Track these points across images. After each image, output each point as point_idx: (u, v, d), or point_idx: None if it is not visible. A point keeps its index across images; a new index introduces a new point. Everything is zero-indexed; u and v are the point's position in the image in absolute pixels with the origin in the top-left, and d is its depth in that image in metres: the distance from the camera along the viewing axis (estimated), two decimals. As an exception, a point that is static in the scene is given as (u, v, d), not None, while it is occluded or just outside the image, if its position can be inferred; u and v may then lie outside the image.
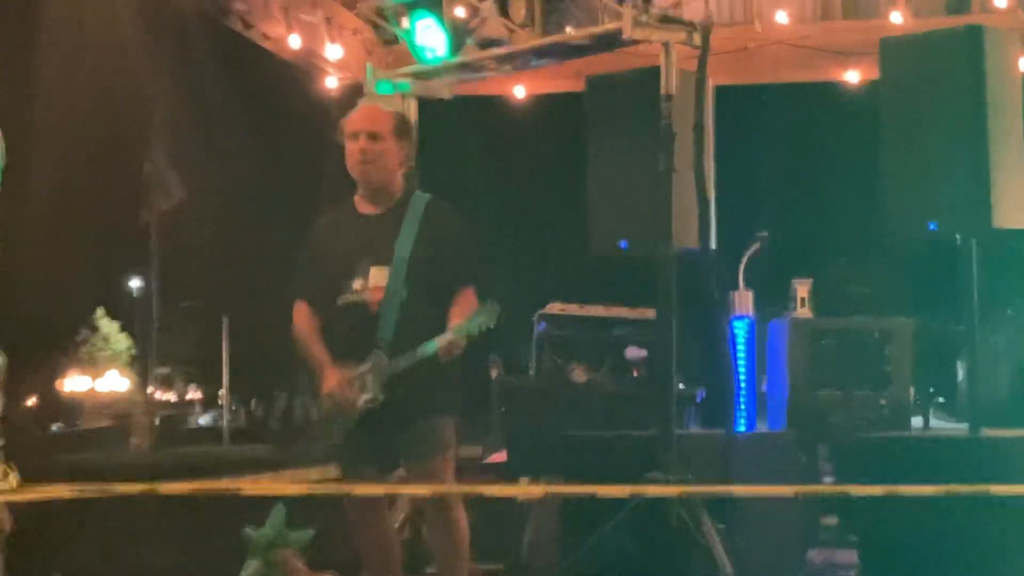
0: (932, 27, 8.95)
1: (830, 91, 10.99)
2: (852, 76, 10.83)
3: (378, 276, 5.74)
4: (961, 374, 8.68)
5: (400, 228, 5.80)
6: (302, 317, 5.98)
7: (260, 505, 7.29)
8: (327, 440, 5.92)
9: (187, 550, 7.98)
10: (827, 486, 5.46)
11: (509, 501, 7.59)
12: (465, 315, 5.68)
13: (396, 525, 6.86)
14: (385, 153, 5.84)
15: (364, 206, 5.94)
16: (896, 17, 10.35)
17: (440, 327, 5.68)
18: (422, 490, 5.62)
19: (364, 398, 5.70)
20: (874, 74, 10.34)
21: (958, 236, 7.08)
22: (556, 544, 7.18)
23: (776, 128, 11.53)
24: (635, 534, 6.36)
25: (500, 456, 8.36)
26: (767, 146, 11.45)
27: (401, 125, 5.94)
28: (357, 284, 5.76)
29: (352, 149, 5.85)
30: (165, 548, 8.00)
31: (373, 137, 5.82)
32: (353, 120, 5.91)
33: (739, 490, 5.45)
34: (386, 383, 5.67)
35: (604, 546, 6.45)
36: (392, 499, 6.65)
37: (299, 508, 7.08)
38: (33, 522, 4.72)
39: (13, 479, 4.72)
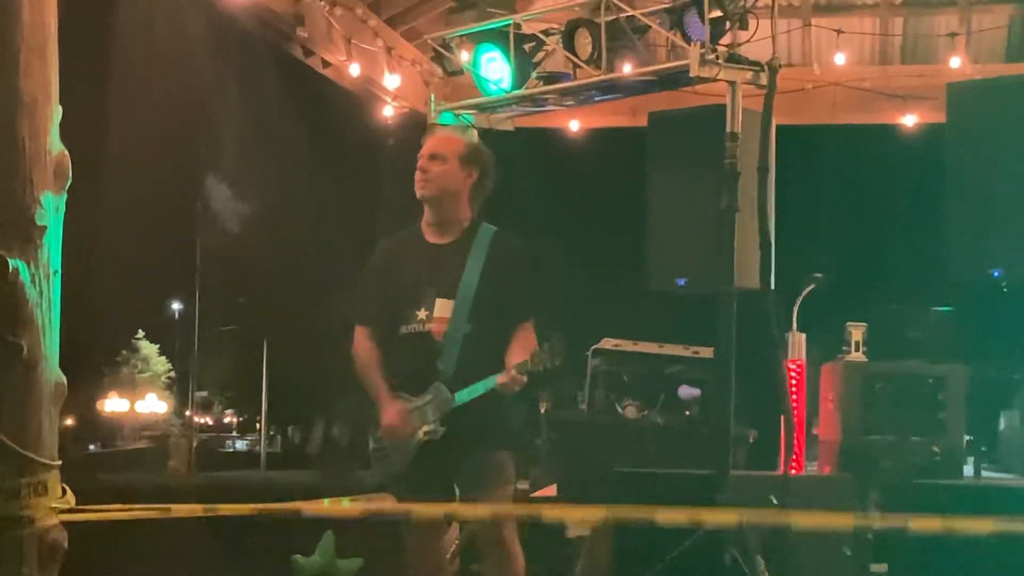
0: (991, 73, 8.96)
1: (887, 134, 10.95)
2: (909, 120, 10.80)
3: (443, 308, 5.72)
4: (1005, 423, 8.62)
5: (466, 260, 5.78)
6: (362, 343, 5.95)
7: (310, 532, 7.30)
8: (384, 470, 5.91)
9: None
10: (884, 517, 5.41)
11: (559, 537, 7.57)
12: (525, 351, 5.64)
13: (448, 555, 6.85)
14: (445, 175, 5.82)
15: (431, 234, 5.92)
16: (955, 62, 10.35)
17: (499, 361, 5.66)
18: (482, 511, 5.58)
19: (425, 430, 5.69)
20: (931, 118, 10.42)
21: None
22: (608, 578, 7.15)
23: (832, 169, 11.51)
24: (689, 572, 6.31)
25: (550, 490, 8.33)
26: (823, 187, 11.43)
27: (469, 153, 5.90)
28: (421, 314, 5.74)
29: (417, 171, 5.86)
30: (213, 573, 8.03)
31: (435, 158, 5.83)
32: (424, 146, 5.93)
33: (798, 520, 5.41)
34: (446, 416, 5.66)
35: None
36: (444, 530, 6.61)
37: (348, 537, 7.07)
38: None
39: (70, 497, 4.74)
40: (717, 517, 5.74)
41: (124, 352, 55.41)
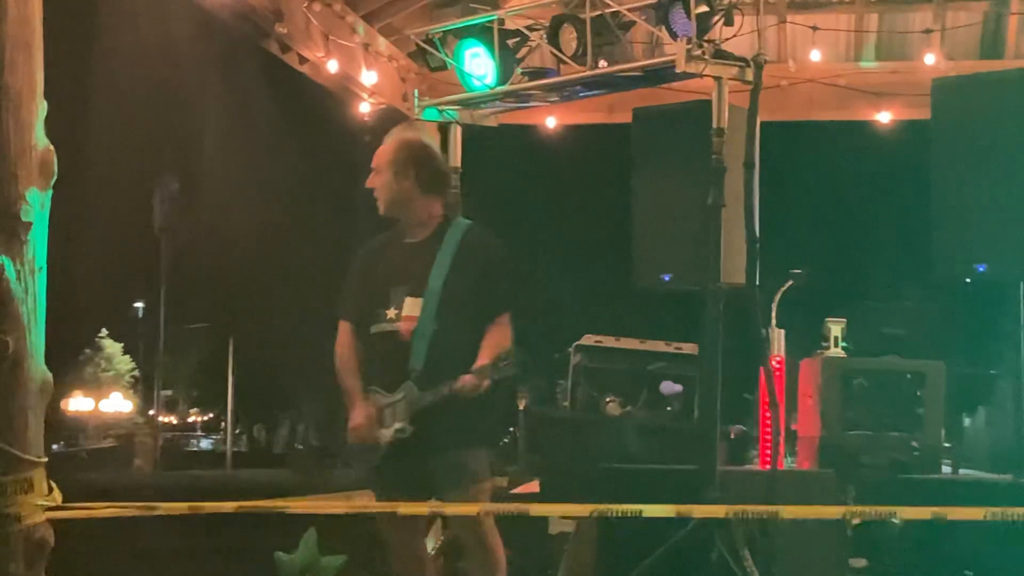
0: (965, 70, 8.99)
1: (863, 131, 10.99)
2: (884, 116, 10.83)
3: (412, 306, 5.73)
4: (981, 418, 8.66)
5: (435, 257, 5.78)
6: (343, 340, 5.98)
7: (292, 530, 7.25)
8: (359, 469, 5.95)
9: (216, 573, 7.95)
10: (876, 507, 5.42)
11: (543, 534, 7.55)
12: (494, 349, 5.64)
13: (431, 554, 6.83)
14: (385, 187, 5.85)
15: (407, 234, 5.94)
16: (930, 59, 10.38)
17: (473, 357, 5.64)
18: (471, 508, 5.56)
19: (395, 428, 5.69)
20: (906, 114, 10.46)
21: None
22: (592, 576, 7.14)
23: (809, 166, 11.55)
24: (674, 570, 6.30)
25: (532, 487, 8.31)
26: (800, 183, 11.46)
27: (398, 157, 5.87)
28: (391, 313, 5.76)
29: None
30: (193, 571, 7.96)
31: (375, 172, 5.88)
32: None
33: (788, 511, 5.42)
34: (416, 414, 5.65)
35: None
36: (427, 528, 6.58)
37: (331, 534, 7.03)
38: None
39: (57, 495, 4.70)
40: (706, 510, 5.74)
41: (87, 351, 55.06)
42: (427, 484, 5.74)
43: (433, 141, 6.20)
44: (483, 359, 5.62)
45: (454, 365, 5.64)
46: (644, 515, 4.79)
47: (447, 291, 5.72)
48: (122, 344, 56.86)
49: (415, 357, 5.69)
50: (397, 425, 5.68)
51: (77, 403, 54.40)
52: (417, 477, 5.72)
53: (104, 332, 56.70)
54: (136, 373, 55.50)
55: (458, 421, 5.68)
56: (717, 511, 5.62)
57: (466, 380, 5.56)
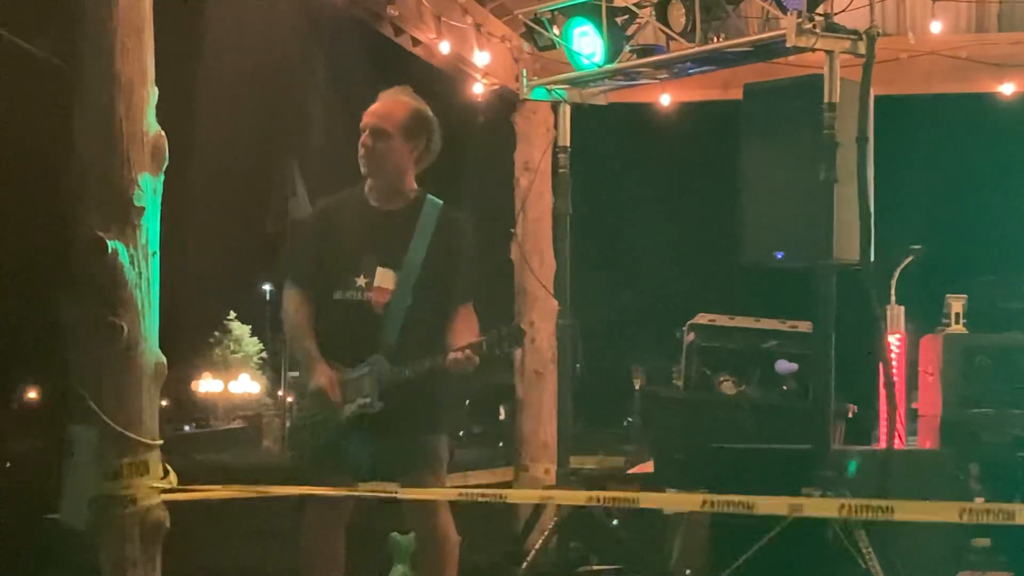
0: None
1: (983, 103, 10.76)
2: (1007, 88, 10.58)
3: (385, 277, 5.56)
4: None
5: (412, 232, 5.60)
6: (294, 305, 5.76)
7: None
8: (310, 439, 5.68)
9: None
10: (999, 505, 5.29)
11: (657, 514, 7.52)
12: (472, 332, 5.52)
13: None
14: (390, 152, 5.63)
15: (374, 199, 5.73)
16: (1052, 28, 10.14)
17: (439, 339, 5.53)
18: (578, 497, 5.55)
19: (360, 402, 5.51)
20: (1029, 87, 10.21)
21: None
22: (706, 557, 7.09)
23: (928, 140, 11.35)
24: (789, 550, 6.24)
25: (646, 467, 8.29)
26: (918, 158, 11.27)
27: (413, 123, 5.69)
28: (360, 281, 5.57)
29: (360, 142, 5.68)
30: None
31: (378, 134, 5.63)
32: (367, 112, 5.71)
33: (901, 511, 5.31)
34: (385, 390, 5.49)
35: (759, 562, 6.35)
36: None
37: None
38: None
39: (173, 477, 4.77)
40: (816, 508, 5.66)
41: (216, 333, 56.01)
42: (381, 465, 5.61)
43: None
44: (463, 340, 5.48)
45: (424, 344, 5.52)
46: (754, 515, 4.70)
47: (425, 270, 5.57)
48: (250, 326, 57.85)
49: (389, 331, 5.53)
50: (363, 399, 5.49)
51: (207, 385, 55.48)
52: (373, 457, 5.59)
53: (232, 314, 57.76)
54: (264, 355, 56.41)
55: (430, 404, 5.60)
56: (830, 507, 5.51)
57: (458, 356, 5.41)
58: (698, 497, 5.00)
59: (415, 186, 5.75)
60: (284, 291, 5.82)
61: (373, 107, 5.72)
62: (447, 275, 5.62)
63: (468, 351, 5.42)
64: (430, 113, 5.79)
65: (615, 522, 7.58)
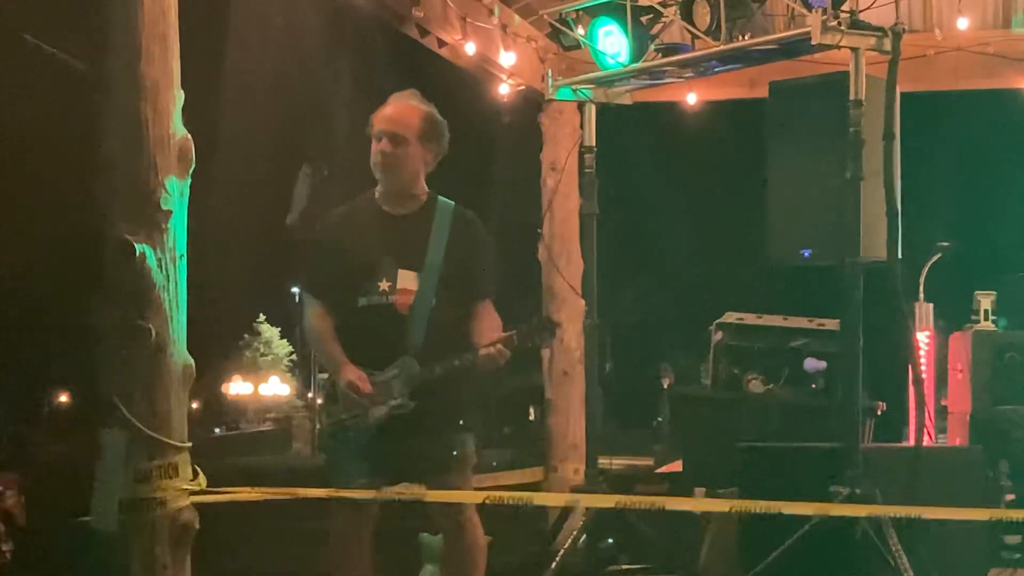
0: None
1: (1011, 99, 10.71)
2: (1034, 84, 10.54)
3: (407, 279, 5.58)
4: None
5: (429, 233, 5.63)
6: (316, 317, 5.78)
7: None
8: (340, 442, 5.70)
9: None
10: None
11: (685, 511, 7.51)
12: (496, 328, 5.56)
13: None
14: (408, 158, 5.65)
15: (386, 204, 5.76)
16: (1084, 23, 10.08)
17: (464, 337, 5.57)
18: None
19: (392, 404, 5.53)
20: (1057, 82, 10.16)
21: None
22: (735, 555, 7.08)
23: (955, 136, 11.30)
24: (818, 548, 6.23)
25: (675, 466, 8.29)
26: (946, 154, 11.23)
27: (429, 127, 5.72)
28: (383, 286, 5.59)
29: (375, 149, 5.68)
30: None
31: (396, 140, 5.64)
32: (379, 118, 5.72)
33: (930, 513, 5.30)
34: (415, 391, 5.52)
35: (788, 560, 6.34)
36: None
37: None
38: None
39: (202, 479, 4.79)
40: (844, 510, 5.63)
41: (246, 336, 56.14)
42: (410, 467, 5.56)
43: None
44: (488, 337, 5.52)
45: (449, 343, 5.54)
46: (784, 513, 4.70)
47: (446, 270, 5.60)
48: (280, 328, 57.94)
49: (415, 332, 5.55)
50: (395, 401, 5.52)
51: (237, 387, 55.64)
52: (402, 458, 5.57)
53: (262, 317, 57.89)
54: (294, 357, 56.53)
55: (459, 403, 5.64)
56: (859, 511, 5.48)
57: (490, 351, 5.45)
58: (726, 502, 5.00)
59: (426, 189, 5.79)
60: (304, 306, 5.86)
61: (385, 112, 5.73)
62: (466, 273, 5.66)
63: (499, 345, 5.45)
64: (440, 116, 5.81)
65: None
